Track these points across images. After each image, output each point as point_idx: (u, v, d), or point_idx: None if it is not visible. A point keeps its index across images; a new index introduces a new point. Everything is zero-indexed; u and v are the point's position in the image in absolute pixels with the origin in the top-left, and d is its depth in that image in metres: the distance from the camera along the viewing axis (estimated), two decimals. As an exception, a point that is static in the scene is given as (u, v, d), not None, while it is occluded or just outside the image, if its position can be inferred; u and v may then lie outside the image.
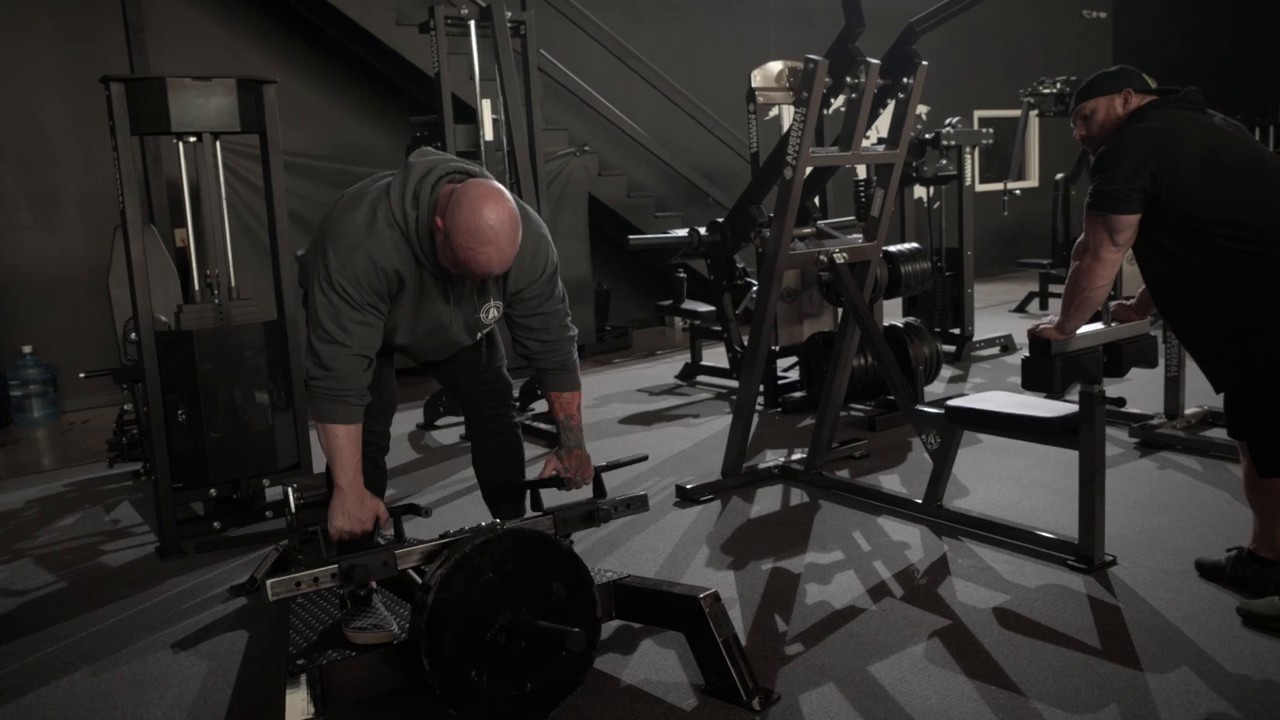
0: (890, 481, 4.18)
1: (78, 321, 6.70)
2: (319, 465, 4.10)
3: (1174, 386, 4.58)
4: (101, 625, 3.21)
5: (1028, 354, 3.01)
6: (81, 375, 4.75)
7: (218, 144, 3.89)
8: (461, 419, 5.62)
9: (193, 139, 3.81)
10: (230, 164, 4.04)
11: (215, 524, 3.96)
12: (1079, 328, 2.91)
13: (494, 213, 2.28)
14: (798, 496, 4.08)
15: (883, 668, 2.59)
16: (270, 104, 3.86)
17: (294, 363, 4.04)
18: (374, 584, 2.62)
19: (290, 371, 4.04)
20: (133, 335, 4.37)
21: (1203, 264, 2.55)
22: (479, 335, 2.71)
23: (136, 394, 4.66)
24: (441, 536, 2.44)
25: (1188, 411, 4.62)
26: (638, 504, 2.73)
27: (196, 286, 3.98)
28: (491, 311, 2.64)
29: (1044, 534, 3.31)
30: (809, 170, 4.01)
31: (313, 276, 2.43)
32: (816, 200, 5.32)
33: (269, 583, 2.20)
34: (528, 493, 2.83)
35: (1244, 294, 2.50)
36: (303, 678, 2.24)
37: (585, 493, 2.78)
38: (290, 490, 2.99)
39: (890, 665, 2.60)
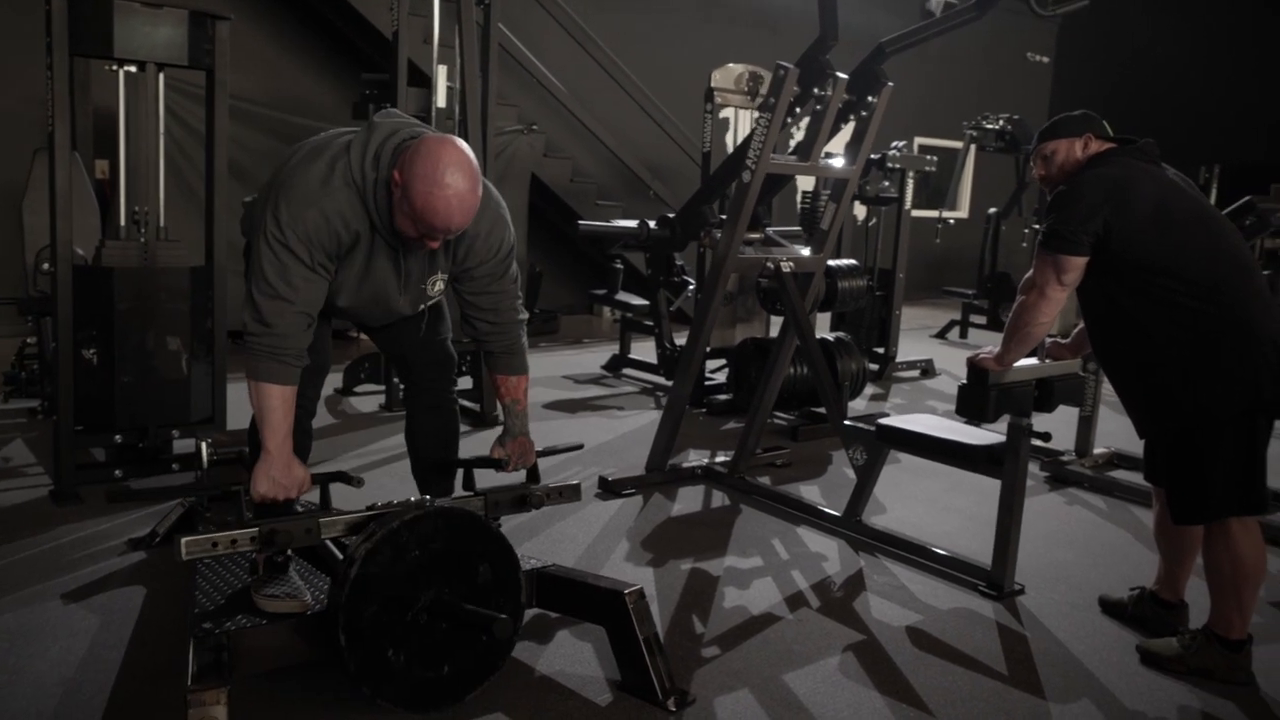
0: (810, 492, 4.23)
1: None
2: (234, 420, 3.96)
3: (1086, 426, 4.73)
4: (-14, 568, 3.04)
5: (965, 381, 3.06)
6: (-19, 300, 4.51)
7: (161, 76, 3.71)
8: (381, 388, 5.50)
9: (134, 68, 3.63)
10: (167, 101, 3.85)
11: (117, 472, 3.79)
12: (1016, 361, 2.97)
13: (453, 160, 2.18)
14: (719, 499, 4.09)
15: (797, 677, 2.60)
16: (222, 41, 3.70)
17: (218, 313, 3.88)
18: (290, 552, 2.53)
19: (213, 321, 3.88)
20: (45, 266, 4.16)
21: (1143, 313, 2.62)
22: (421, 307, 2.63)
23: (43, 328, 4.44)
24: (369, 509, 2.36)
25: (1096, 451, 4.77)
26: (570, 493, 2.70)
27: (123, 222, 3.78)
28: (438, 284, 2.56)
29: (958, 558, 3.37)
30: (765, 176, 4.01)
31: (259, 228, 2.31)
32: (768, 208, 5.34)
33: (183, 541, 2.10)
34: (460, 471, 2.77)
35: (1179, 347, 2.58)
36: (208, 642, 2.15)
37: (518, 477, 2.73)
38: (205, 445, 2.87)
39: (805, 675, 2.62)
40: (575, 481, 2.77)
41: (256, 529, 2.19)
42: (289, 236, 2.25)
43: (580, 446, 3.02)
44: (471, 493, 2.58)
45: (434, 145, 2.21)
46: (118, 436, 3.76)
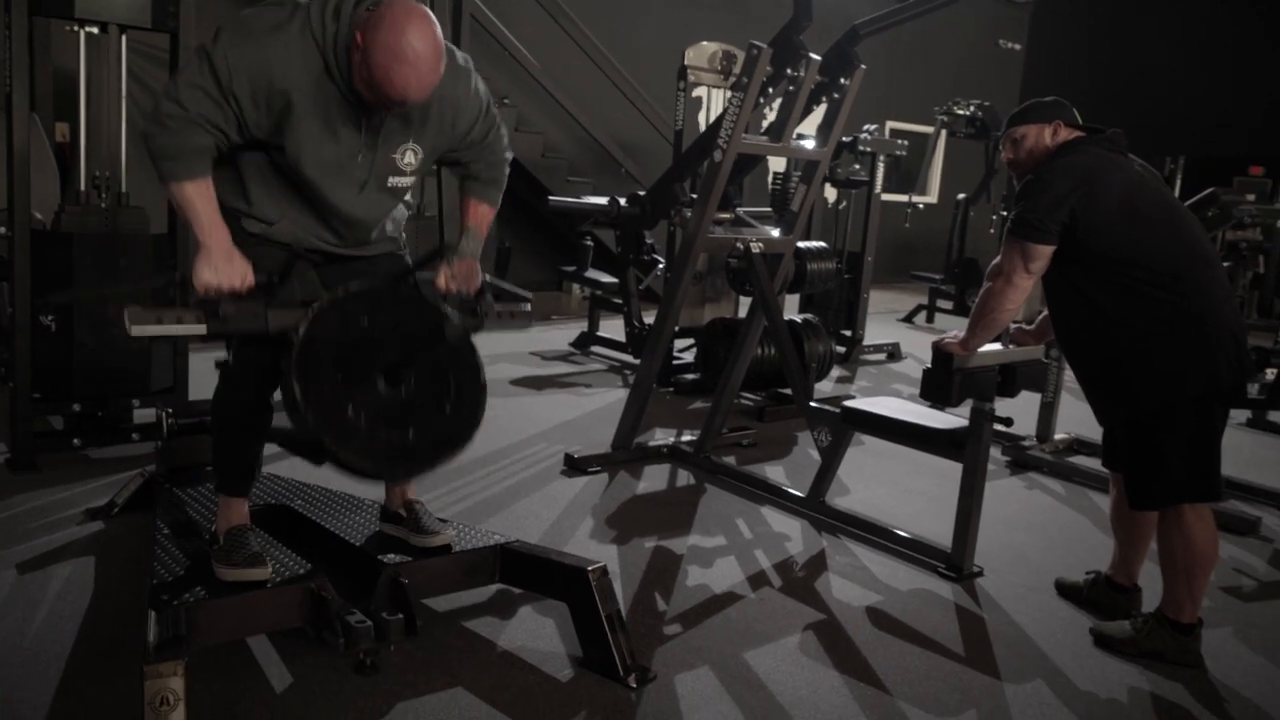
0: (775, 473, 4.25)
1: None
2: (196, 391, 3.91)
3: (1048, 411, 4.79)
4: (-62, 536, 2.99)
5: (929, 365, 3.08)
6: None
7: (124, 38, 3.63)
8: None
9: (96, 29, 3.55)
10: (130, 65, 3.77)
11: (75, 441, 3.73)
12: (981, 346, 3.00)
13: (418, 33, 2.09)
14: (684, 478, 4.10)
15: (757, 655, 2.63)
16: (187, 4, 3.62)
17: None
18: (250, 523, 2.51)
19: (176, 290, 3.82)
20: (2, 230, 4.07)
21: (1107, 301, 2.65)
22: (395, 183, 2.43)
23: (1, 293, 4.35)
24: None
25: (1057, 436, 4.84)
26: (521, 317, 2.61)
27: (82, 186, 3.71)
28: (408, 155, 2.39)
29: (918, 540, 3.41)
30: (736, 156, 4.01)
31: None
32: (739, 188, 5.33)
33: (127, 310, 2.05)
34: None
35: (1142, 336, 2.62)
36: (166, 613, 2.12)
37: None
38: (165, 415, 2.83)
39: (765, 654, 2.64)
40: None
41: (203, 305, 2.13)
42: (216, 52, 2.14)
43: (529, 299, 2.75)
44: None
45: (400, 13, 2.10)
46: (76, 405, 3.70)
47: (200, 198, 2.22)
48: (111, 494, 3.32)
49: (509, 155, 2.62)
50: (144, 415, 3.85)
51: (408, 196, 2.58)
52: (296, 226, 2.42)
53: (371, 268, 2.54)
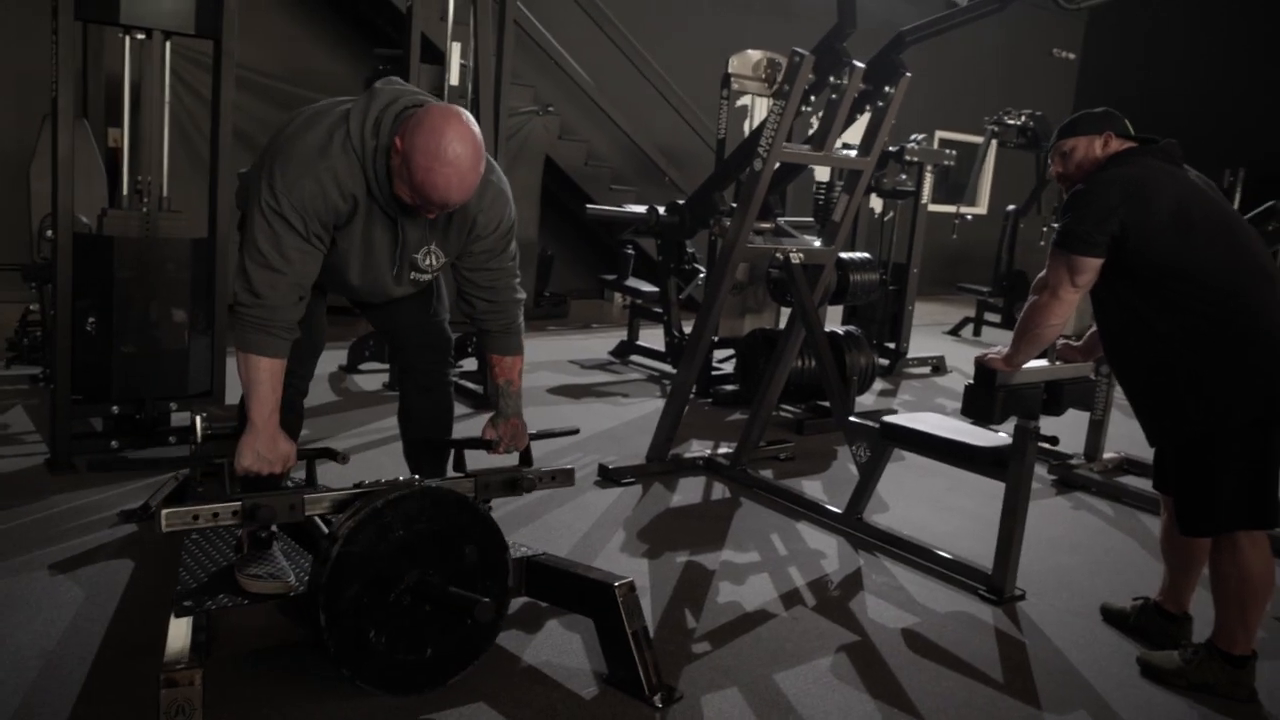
0: (813, 488, 4.17)
1: (-10, 209, 6.34)
2: (232, 395, 3.92)
3: (1097, 430, 4.65)
4: (-25, 535, 3.02)
5: (972, 381, 2.99)
6: (-14, 265, 4.48)
7: (168, 44, 3.67)
8: (385, 367, 5.46)
9: (141, 35, 3.58)
10: (177, 69, 3.82)
11: (113, 443, 3.76)
12: (1026, 362, 2.90)
13: (457, 134, 2.13)
14: (720, 491, 4.04)
15: (788, 677, 2.56)
16: (230, 10, 3.64)
17: (219, 286, 3.85)
18: (275, 529, 2.49)
19: (214, 294, 3.85)
20: (49, 233, 4.13)
21: (1158, 318, 2.54)
22: (416, 278, 2.54)
23: (45, 295, 4.42)
24: (355, 486, 2.32)
25: (1105, 455, 4.70)
26: (563, 477, 2.65)
27: (125, 191, 3.75)
28: (431, 257, 2.48)
29: (958, 560, 3.31)
30: (777, 165, 3.94)
31: (254, 197, 2.27)
32: (780, 197, 5.26)
33: (164, 512, 2.07)
34: (452, 452, 2.72)
35: (1193, 353, 2.51)
36: (188, 620, 2.11)
37: (511, 460, 2.68)
38: (199, 418, 2.82)
39: (796, 675, 2.57)
40: (570, 466, 2.72)
41: (239, 503, 2.15)
42: (283, 205, 2.19)
43: (576, 431, 2.96)
44: (462, 474, 2.54)
45: (438, 116, 2.15)
46: (115, 407, 3.73)
47: (273, 379, 2.30)
48: (146, 496, 3.34)
49: (520, 296, 2.63)
50: (181, 418, 3.88)
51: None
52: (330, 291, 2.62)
53: (398, 310, 2.69)
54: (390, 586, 2.17)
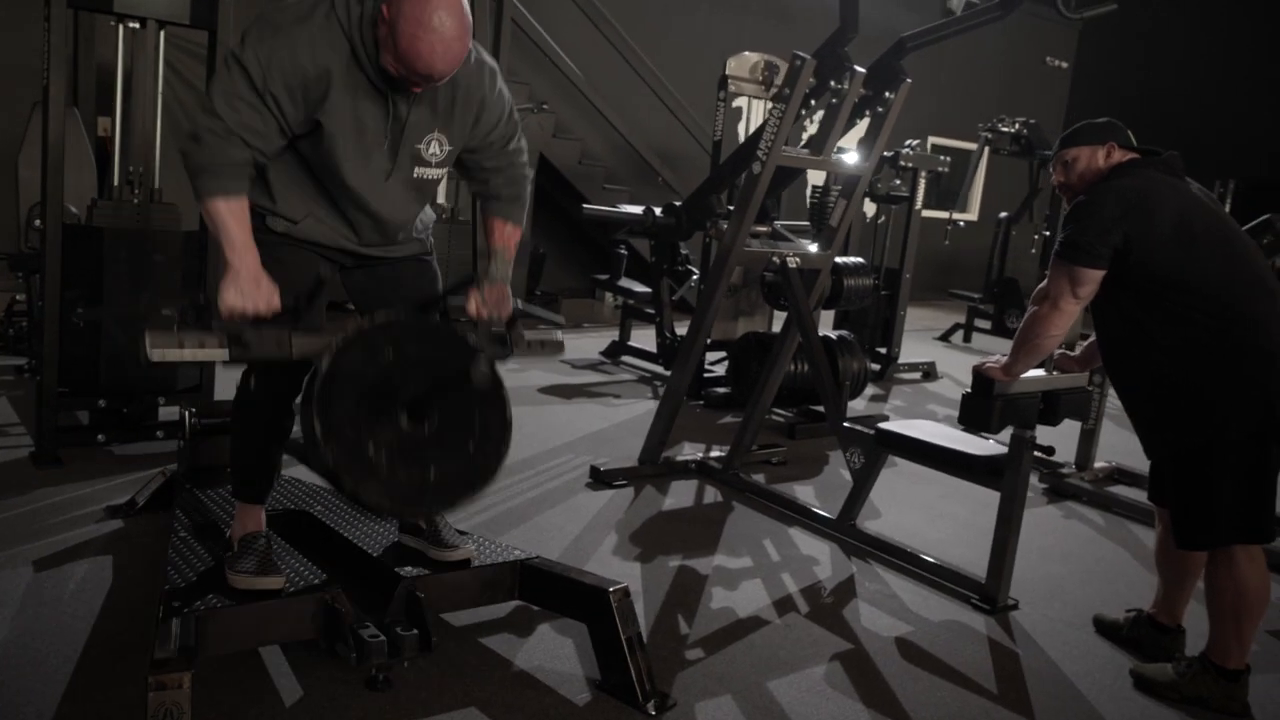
0: (805, 493, 4.15)
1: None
2: (221, 390, 3.88)
3: (1088, 439, 4.65)
4: (-42, 529, 2.97)
5: (969, 390, 2.98)
6: (-27, 254, 4.43)
7: (162, 34, 3.62)
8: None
9: (135, 24, 3.54)
10: (170, 58, 3.77)
11: (100, 436, 3.72)
12: (1024, 372, 2.89)
13: (444, 6, 2.06)
14: (712, 494, 4.02)
15: (781, 685, 2.54)
16: (226, 2, 3.60)
17: (211, 279, 3.80)
18: (266, 529, 2.46)
19: (206, 288, 3.80)
20: (37, 222, 4.08)
21: (1159, 329, 2.54)
22: (421, 175, 2.39)
23: (32, 285, 4.36)
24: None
25: (1097, 465, 4.70)
26: (552, 346, 2.57)
27: (116, 182, 3.70)
28: (435, 146, 2.36)
29: (952, 569, 3.30)
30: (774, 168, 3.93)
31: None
32: (777, 201, 5.25)
33: (148, 333, 2.00)
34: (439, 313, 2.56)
35: (1193, 365, 2.50)
36: (176, 621, 2.07)
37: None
38: (188, 414, 2.79)
39: (789, 683, 2.55)
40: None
41: (225, 330, 2.08)
42: (246, 54, 2.11)
43: (561, 323, 2.74)
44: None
45: None
46: (102, 401, 3.68)
47: (234, 217, 2.17)
48: (133, 491, 3.29)
49: (529, 172, 2.56)
50: (169, 413, 3.83)
51: (440, 200, 2.55)
52: (321, 224, 2.39)
53: (396, 272, 2.51)
54: (385, 404, 2.10)
